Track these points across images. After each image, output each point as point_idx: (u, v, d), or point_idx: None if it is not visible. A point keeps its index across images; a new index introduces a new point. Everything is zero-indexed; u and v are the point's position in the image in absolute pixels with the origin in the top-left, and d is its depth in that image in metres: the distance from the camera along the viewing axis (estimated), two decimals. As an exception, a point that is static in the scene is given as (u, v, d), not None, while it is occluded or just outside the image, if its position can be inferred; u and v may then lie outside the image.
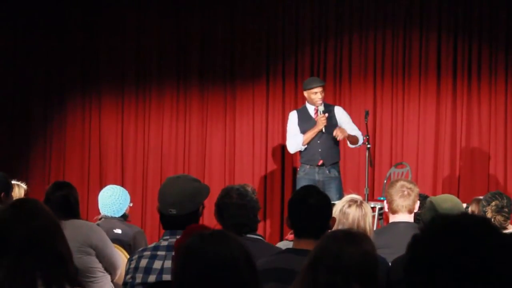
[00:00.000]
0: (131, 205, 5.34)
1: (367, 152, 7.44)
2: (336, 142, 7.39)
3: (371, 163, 7.71)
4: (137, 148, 8.94)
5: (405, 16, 8.38)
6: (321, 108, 7.33)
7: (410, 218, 4.39)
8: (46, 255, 2.38)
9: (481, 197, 5.31)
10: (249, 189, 4.07)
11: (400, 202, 4.35)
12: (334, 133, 7.19)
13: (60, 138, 9.08)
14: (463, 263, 1.54)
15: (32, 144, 9.14)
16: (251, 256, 2.12)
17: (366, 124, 7.53)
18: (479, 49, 8.22)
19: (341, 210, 3.91)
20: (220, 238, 2.11)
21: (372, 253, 2.46)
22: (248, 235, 3.82)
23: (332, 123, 7.37)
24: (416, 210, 4.39)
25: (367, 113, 7.57)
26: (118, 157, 8.96)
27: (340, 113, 7.45)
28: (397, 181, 4.49)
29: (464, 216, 1.65)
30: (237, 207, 3.89)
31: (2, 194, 4.89)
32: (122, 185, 8.34)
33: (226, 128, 8.75)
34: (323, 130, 7.27)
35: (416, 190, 4.42)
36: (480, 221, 1.63)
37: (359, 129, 7.45)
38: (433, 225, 1.63)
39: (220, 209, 3.94)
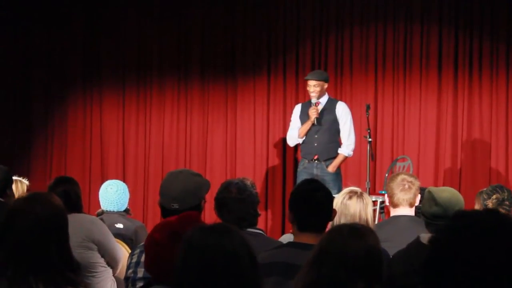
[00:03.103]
0: None
1: (368, 146, 7.45)
2: (334, 137, 7.38)
3: (373, 157, 7.71)
4: (139, 143, 8.94)
5: (406, 9, 8.37)
6: (314, 100, 7.32)
7: (411, 211, 4.40)
8: (47, 255, 2.39)
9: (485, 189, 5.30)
10: (248, 182, 4.06)
11: (401, 195, 4.36)
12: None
13: (62, 133, 9.09)
14: (484, 262, 1.51)
15: (33, 140, 9.14)
16: (253, 249, 2.12)
17: (368, 117, 7.54)
18: (480, 42, 8.20)
19: (342, 202, 3.91)
20: (221, 232, 2.11)
21: (376, 248, 2.45)
22: (249, 230, 3.82)
23: (330, 118, 7.35)
24: (417, 203, 4.40)
25: (368, 107, 7.58)
26: (119, 152, 8.97)
27: (340, 110, 7.42)
28: (398, 174, 4.49)
29: (487, 213, 1.59)
30: (237, 202, 3.87)
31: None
32: (124, 180, 8.39)
33: (227, 122, 8.75)
34: (315, 122, 7.27)
35: (417, 183, 4.43)
36: (504, 218, 1.58)
37: (353, 132, 7.44)
38: (454, 223, 1.58)
39: (220, 204, 3.93)
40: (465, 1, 8.22)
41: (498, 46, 8.15)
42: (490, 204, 4.82)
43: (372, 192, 7.60)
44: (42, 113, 9.12)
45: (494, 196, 4.80)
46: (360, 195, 3.92)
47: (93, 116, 9.04)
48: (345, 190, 4.04)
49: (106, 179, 7.00)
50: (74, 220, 4.20)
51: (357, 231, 2.46)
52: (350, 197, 3.90)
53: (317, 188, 3.32)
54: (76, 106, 9.08)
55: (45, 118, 9.12)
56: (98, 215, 5.14)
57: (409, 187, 4.37)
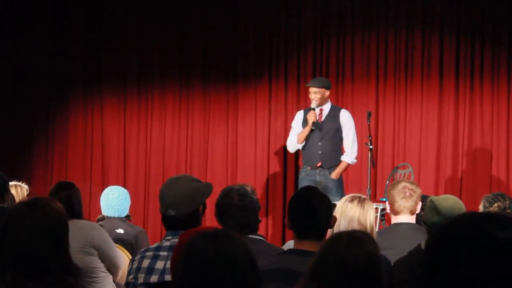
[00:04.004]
0: None
1: (370, 153, 7.44)
2: (337, 145, 7.37)
3: (373, 164, 7.68)
4: (139, 148, 8.93)
5: (407, 16, 8.36)
6: (314, 106, 7.29)
7: (412, 219, 4.38)
8: (46, 260, 2.38)
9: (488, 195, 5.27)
10: (249, 189, 4.04)
11: (402, 203, 4.35)
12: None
13: (62, 138, 9.07)
14: (483, 265, 1.45)
15: (34, 145, 9.12)
16: (254, 255, 2.11)
17: (369, 125, 7.52)
18: (482, 49, 8.19)
19: (343, 206, 3.89)
20: (222, 237, 2.10)
21: (376, 255, 2.43)
22: (250, 236, 3.81)
23: (334, 125, 7.34)
24: (418, 211, 4.39)
25: (369, 114, 7.57)
26: (120, 157, 8.95)
27: (344, 118, 7.40)
28: (399, 182, 4.49)
29: (491, 216, 1.53)
30: (238, 208, 3.87)
31: None
32: (124, 185, 8.40)
33: (228, 128, 8.74)
34: (313, 127, 7.25)
35: (418, 191, 4.42)
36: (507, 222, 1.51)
37: (356, 140, 7.41)
38: (455, 224, 1.52)
39: (221, 210, 3.91)
40: (467, 9, 8.21)
41: (500, 53, 8.14)
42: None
43: (373, 199, 7.58)
44: (42, 118, 9.10)
45: (496, 204, 4.78)
46: (361, 200, 3.90)
47: (94, 122, 9.03)
48: (349, 194, 4.04)
49: (107, 185, 7.00)
50: (75, 226, 4.20)
51: (356, 239, 2.44)
52: (351, 201, 3.89)
53: (314, 195, 3.32)
54: (77, 111, 9.07)
55: (46, 123, 9.10)
56: (98, 220, 5.14)
57: (410, 195, 4.36)
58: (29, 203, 2.52)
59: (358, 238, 2.45)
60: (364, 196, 3.96)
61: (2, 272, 2.38)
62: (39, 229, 2.41)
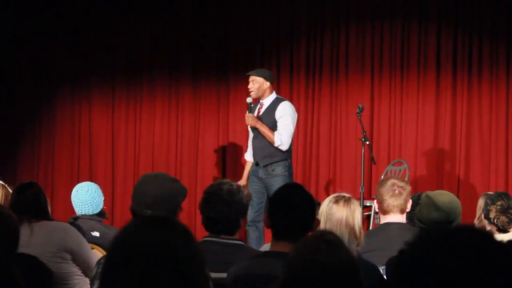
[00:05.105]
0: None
1: (369, 149, 7.18)
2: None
3: (374, 161, 7.33)
4: (128, 146, 8.78)
5: (403, 9, 8.21)
6: (248, 99, 6.89)
7: (402, 218, 4.16)
8: None
9: (490, 193, 5.16)
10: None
11: (391, 201, 4.11)
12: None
13: (49, 135, 8.92)
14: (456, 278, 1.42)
15: (20, 142, 8.97)
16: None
17: (360, 119, 7.19)
18: (480, 42, 8.04)
19: (327, 206, 3.67)
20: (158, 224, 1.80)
21: (352, 260, 2.22)
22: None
23: (270, 120, 6.90)
24: (408, 209, 4.17)
25: (360, 108, 7.19)
26: (108, 153, 8.80)
27: (279, 110, 6.79)
28: (387, 179, 4.24)
29: (464, 229, 1.49)
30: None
31: None
32: (113, 183, 8.25)
33: (219, 123, 8.61)
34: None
35: (408, 188, 4.17)
36: (482, 236, 1.48)
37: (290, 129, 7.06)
38: (429, 235, 1.50)
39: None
40: (465, 2, 8.02)
41: (498, 47, 7.99)
42: (493, 210, 4.72)
43: (368, 197, 7.39)
44: (29, 116, 8.93)
45: (498, 203, 4.69)
46: (347, 200, 3.68)
47: (81, 118, 8.88)
48: (332, 195, 3.82)
49: (95, 182, 6.81)
50: (45, 229, 4.00)
51: (325, 242, 2.22)
52: (336, 201, 3.66)
53: (296, 194, 3.13)
54: (65, 107, 8.92)
55: (33, 121, 8.94)
56: (70, 222, 4.85)
57: (400, 193, 4.12)
58: None
59: (328, 241, 2.23)
60: (349, 196, 3.73)
61: None
62: None
